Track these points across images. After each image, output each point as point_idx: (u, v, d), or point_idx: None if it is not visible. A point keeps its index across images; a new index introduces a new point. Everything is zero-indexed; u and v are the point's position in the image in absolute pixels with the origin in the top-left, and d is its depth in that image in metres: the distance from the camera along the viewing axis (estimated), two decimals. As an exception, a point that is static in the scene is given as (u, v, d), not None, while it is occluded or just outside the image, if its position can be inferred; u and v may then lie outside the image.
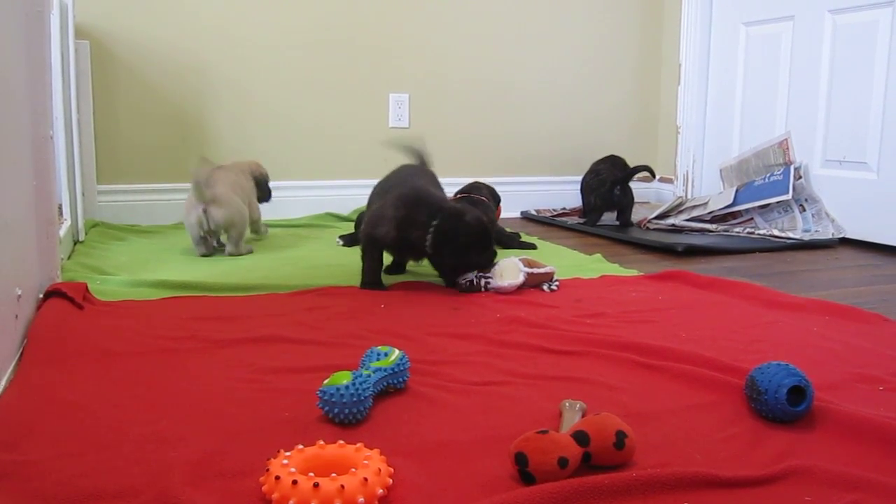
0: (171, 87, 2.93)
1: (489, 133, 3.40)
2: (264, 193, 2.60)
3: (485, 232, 1.83)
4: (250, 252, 2.37)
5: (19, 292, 1.36)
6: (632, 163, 3.05)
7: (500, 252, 2.32)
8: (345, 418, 1.03)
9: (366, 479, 0.81)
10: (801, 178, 2.85)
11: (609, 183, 2.98)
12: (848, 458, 0.95)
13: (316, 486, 0.79)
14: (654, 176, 3.11)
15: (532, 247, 2.55)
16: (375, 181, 2.09)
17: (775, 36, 3.05)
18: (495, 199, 2.69)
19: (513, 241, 2.55)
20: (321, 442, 0.91)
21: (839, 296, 1.87)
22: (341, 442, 0.91)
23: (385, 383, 1.13)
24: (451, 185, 2.81)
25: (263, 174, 2.60)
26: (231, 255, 2.33)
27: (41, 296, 1.59)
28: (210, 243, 2.34)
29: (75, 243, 2.38)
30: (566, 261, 2.28)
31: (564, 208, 3.43)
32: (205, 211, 2.24)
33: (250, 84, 3.03)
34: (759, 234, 2.74)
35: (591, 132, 3.56)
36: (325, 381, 1.06)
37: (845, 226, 2.73)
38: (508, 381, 1.22)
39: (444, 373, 1.25)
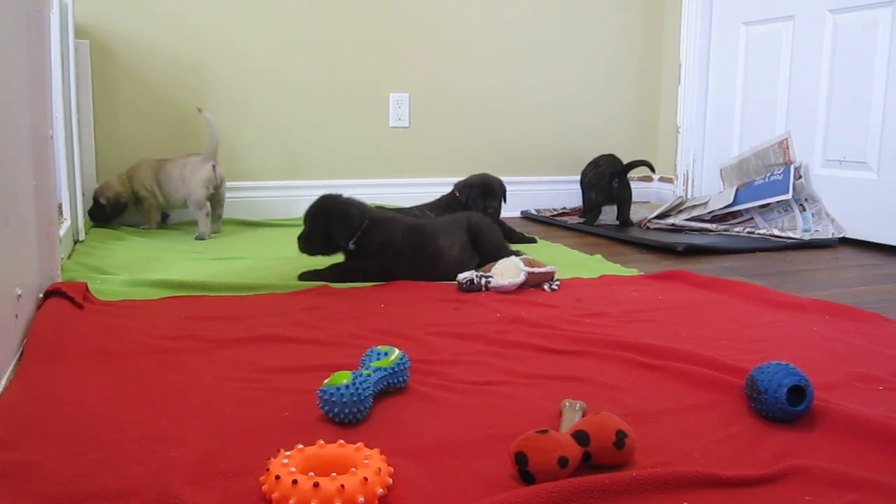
0: (170, 87, 2.93)
1: (489, 132, 3.40)
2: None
3: None
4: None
5: (19, 292, 1.36)
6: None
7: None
8: (345, 418, 1.03)
9: (366, 479, 0.81)
10: (801, 177, 2.85)
11: (608, 176, 2.98)
12: (848, 457, 0.95)
13: (316, 485, 0.79)
14: (653, 171, 3.10)
15: (532, 240, 2.64)
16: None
17: (775, 35, 3.05)
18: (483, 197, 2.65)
19: (513, 236, 2.60)
20: (321, 441, 0.91)
21: (839, 295, 1.87)
22: (341, 441, 0.91)
23: (385, 383, 1.13)
24: (452, 186, 2.81)
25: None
26: (215, 232, 2.69)
27: (41, 295, 1.59)
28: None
29: (75, 243, 2.38)
30: (566, 260, 2.28)
31: (565, 208, 3.43)
32: (214, 167, 2.62)
33: (250, 84, 3.03)
34: (759, 234, 2.74)
35: (591, 132, 3.56)
36: (325, 381, 1.06)
37: (845, 225, 2.73)
38: (508, 381, 1.22)
39: (444, 372, 1.25)
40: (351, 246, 1.97)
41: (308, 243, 1.97)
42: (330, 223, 1.93)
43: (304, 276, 1.97)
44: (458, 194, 2.66)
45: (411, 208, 2.58)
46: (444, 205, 2.64)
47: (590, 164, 3.13)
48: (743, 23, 3.22)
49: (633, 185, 3.05)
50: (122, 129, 2.89)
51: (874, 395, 1.17)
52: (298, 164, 3.12)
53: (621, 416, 0.97)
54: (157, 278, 1.88)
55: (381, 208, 2.32)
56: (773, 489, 0.87)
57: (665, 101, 3.64)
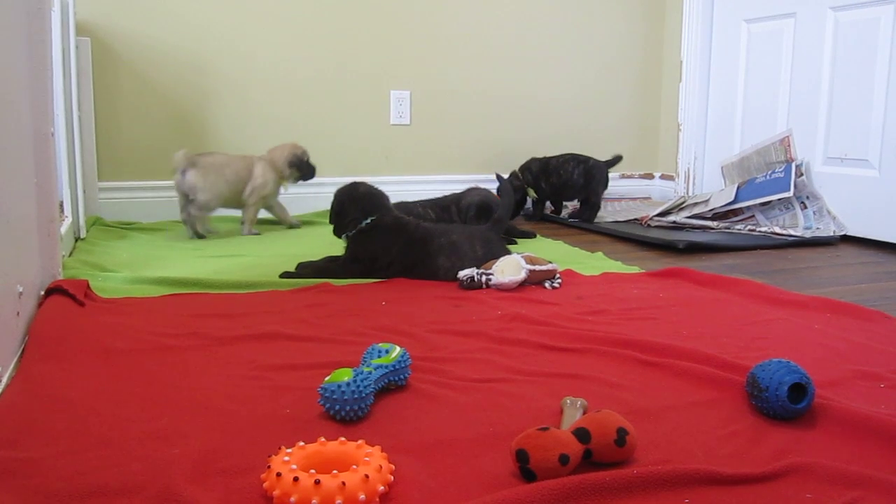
0: (171, 84, 2.93)
1: (490, 130, 3.40)
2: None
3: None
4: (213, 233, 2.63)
5: (21, 289, 1.36)
6: (631, 161, 3.03)
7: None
8: (346, 415, 1.03)
9: (367, 476, 0.81)
10: (802, 175, 2.85)
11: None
12: (849, 455, 0.95)
13: (317, 482, 0.79)
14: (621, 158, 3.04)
15: (532, 235, 2.67)
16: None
17: (777, 33, 3.05)
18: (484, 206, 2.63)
19: (513, 231, 2.61)
20: (322, 439, 0.91)
21: (840, 293, 1.87)
22: (342, 439, 0.91)
23: (386, 380, 1.13)
24: (452, 183, 2.81)
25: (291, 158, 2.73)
26: (209, 232, 2.61)
27: (42, 293, 1.59)
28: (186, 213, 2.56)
29: (76, 240, 2.39)
30: (568, 258, 2.28)
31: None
32: (183, 172, 2.50)
33: (251, 81, 3.02)
34: (760, 232, 2.74)
35: (592, 129, 3.56)
36: (327, 378, 1.06)
37: (847, 223, 2.73)
38: (509, 378, 1.22)
39: (445, 370, 1.25)
40: (345, 238, 2.01)
41: (332, 223, 2.04)
42: (345, 203, 1.97)
43: (285, 275, 1.96)
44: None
45: (414, 203, 2.57)
46: (445, 205, 2.62)
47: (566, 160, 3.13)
48: (744, 20, 3.22)
49: (635, 182, 3.04)
50: (123, 127, 2.89)
51: (875, 392, 1.17)
52: (299, 162, 3.12)
53: (622, 414, 0.97)
54: (158, 276, 1.89)
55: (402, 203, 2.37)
56: (774, 487, 0.87)
57: (666, 98, 3.64)
